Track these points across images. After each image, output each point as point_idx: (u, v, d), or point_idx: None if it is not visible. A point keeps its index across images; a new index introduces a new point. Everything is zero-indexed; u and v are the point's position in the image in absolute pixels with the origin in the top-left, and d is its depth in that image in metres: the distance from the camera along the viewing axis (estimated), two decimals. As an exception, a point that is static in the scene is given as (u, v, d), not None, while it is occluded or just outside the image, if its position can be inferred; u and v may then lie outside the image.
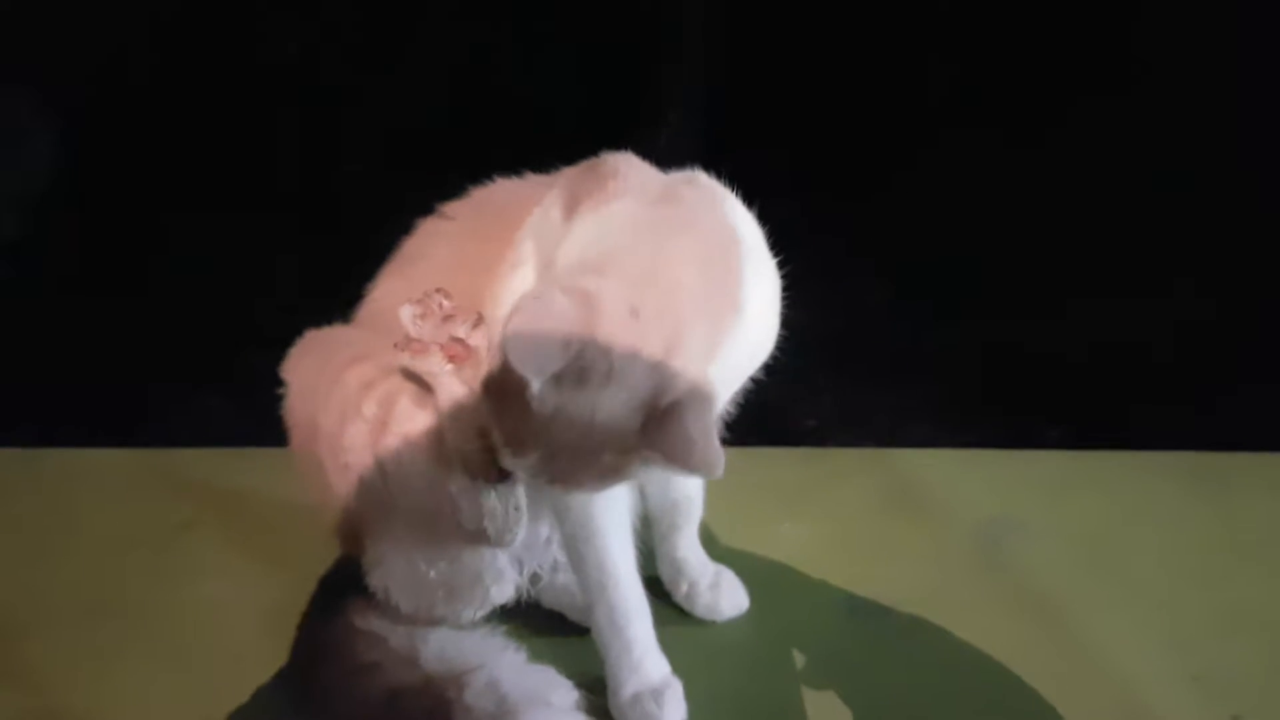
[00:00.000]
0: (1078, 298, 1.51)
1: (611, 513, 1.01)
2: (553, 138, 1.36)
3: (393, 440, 0.98)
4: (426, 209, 1.10)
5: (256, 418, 1.53)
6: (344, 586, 1.09)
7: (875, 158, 1.52)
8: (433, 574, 1.03)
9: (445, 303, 0.96)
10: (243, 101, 1.50)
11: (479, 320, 0.96)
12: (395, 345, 0.97)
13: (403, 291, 1.02)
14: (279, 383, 1.48)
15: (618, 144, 1.03)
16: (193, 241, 1.53)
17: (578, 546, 1.02)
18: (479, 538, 0.97)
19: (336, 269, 1.44)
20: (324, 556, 1.17)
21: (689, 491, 1.16)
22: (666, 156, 1.04)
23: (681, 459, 0.84)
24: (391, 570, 1.05)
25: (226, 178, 1.52)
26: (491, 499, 0.96)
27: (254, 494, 1.43)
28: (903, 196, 1.52)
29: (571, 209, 0.97)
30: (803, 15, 1.46)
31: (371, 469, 0.99)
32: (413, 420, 0.98)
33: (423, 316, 0.96)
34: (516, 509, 0.97)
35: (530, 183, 1.07)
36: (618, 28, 1.48)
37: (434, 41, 1.49)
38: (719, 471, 0.84)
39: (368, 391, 0.99)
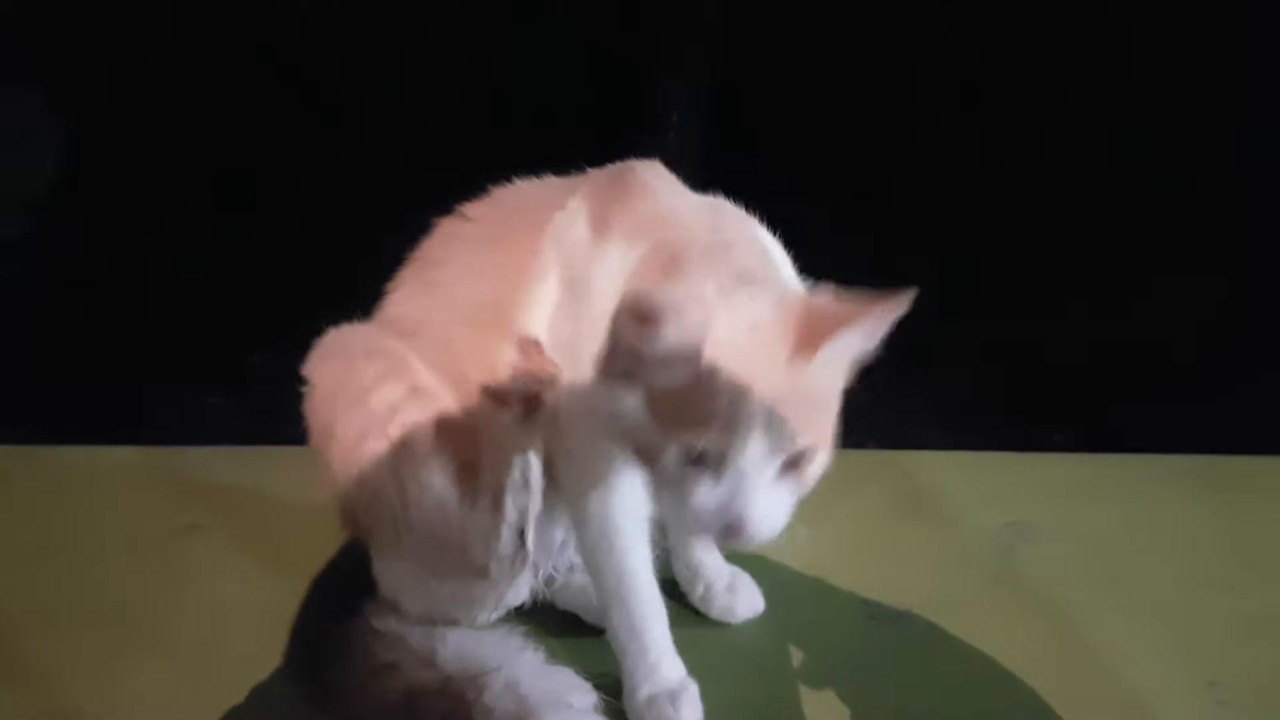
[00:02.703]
0: (1083, 299, 1.51)
1: (632, 520, 1.01)
2: (555, 137, 1.36)
3: (414, 467, 0.98)
4: (431, 207, 1.09)
5: (264, 417, 1.52)
6: (351, 584, 1.09)
7: (877, 159, 1.52)
8: (443, 590, 1.04)
9: (538, 358, 0.95)
10: (245, 100, 1.49)
11: (556, 377, 0.95)
12: (483, 388, 0.95)
13: (424, 296, 1.03)
14: (287, 381, 1.47)
15: (620, 145, 1.03)
16: (200, 239, 1.52)
17: (597, 555, 1.01)
18: (481, 573, 0.98)
19: (342, 267, 1.43)
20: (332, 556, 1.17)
21: None
22: (668, 158, 1.04)
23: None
24: (400, 580, 1.05)
25: (232, 176, 1.51)
26: (504, 543, 0.96)
27: (261, 493, 1.42)
28: (905, 197, 1.52)
29: (602, 227, 0.97)
30: (802, 16, 1.45)
31: (389, 489, 0.98)
32: (429, 463, 0.98)
33: (519, 367, 0.94)
34: (523, 552, 0.97)
35: (550, 185, 1.06)
36: (619, 29, 1.47)
37: (436, 42, 1.48)
38: None
39: (393, 415, 0.99)
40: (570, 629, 1.13)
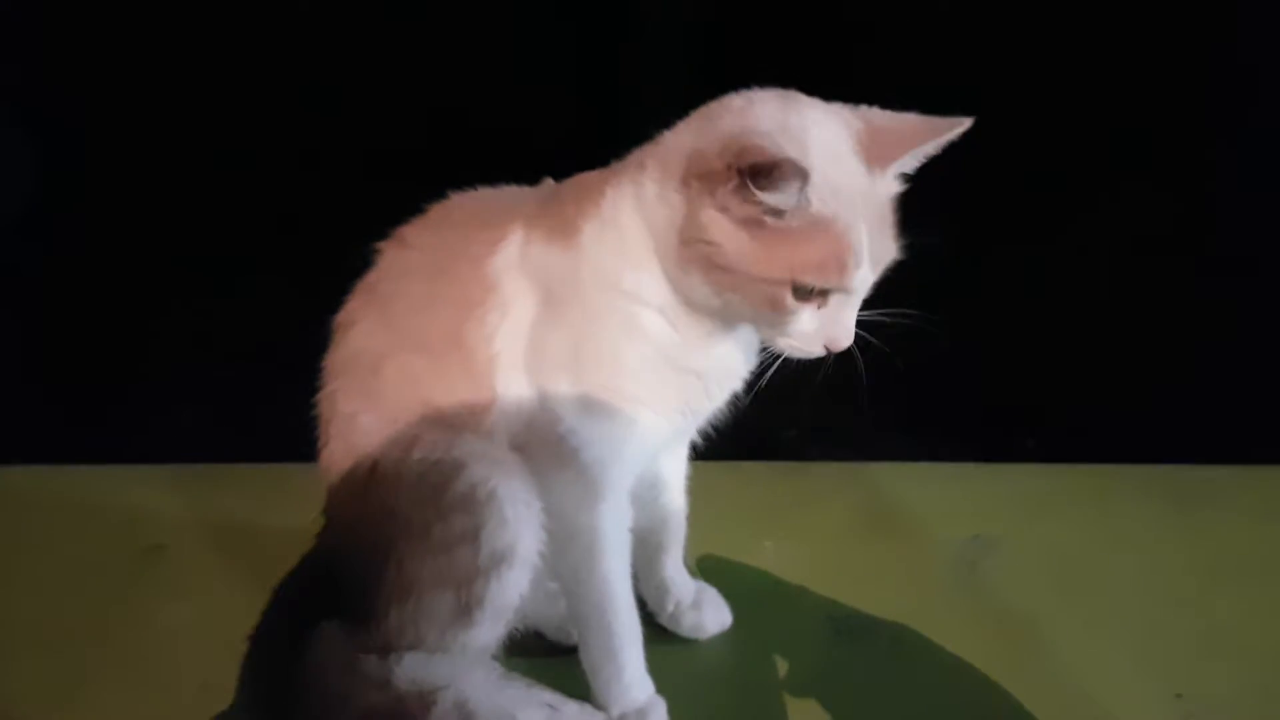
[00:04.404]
0: (1056, 309, 1.50)
1: (619, 535, 1.00)
2: (542, 137, 1.36)
3: None
4: (395, 220, 1.06)
5: (228, 434, 1.51)
6: (309, 610, 1.06)
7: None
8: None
9: None
10: (216, 118, 1.47)
11: None
12: None
13: (380, 331, 1.00)
14: (251, 398, 1.47)
15: (604, 150, 1.02)
16: (163, 253, 1.50)
17: (579, 573, 1.00)
18: None
19: (310, 285, 1.42)
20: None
21: (675, 509, 1.15)
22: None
23: None
24: None
25: (203, 192, 1.48)
26: None
27: (227, 513, 1.40)
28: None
29: (567, 232, 0.96)
30: (787, 34, 1.45)
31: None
32: None
33: None
34: None
35: (485, 201, 1.04)
36: (608, 37, 1.46)
37: (417, 47, 1.46)
38: None
39: None
40: (530, 648, 1.10)
